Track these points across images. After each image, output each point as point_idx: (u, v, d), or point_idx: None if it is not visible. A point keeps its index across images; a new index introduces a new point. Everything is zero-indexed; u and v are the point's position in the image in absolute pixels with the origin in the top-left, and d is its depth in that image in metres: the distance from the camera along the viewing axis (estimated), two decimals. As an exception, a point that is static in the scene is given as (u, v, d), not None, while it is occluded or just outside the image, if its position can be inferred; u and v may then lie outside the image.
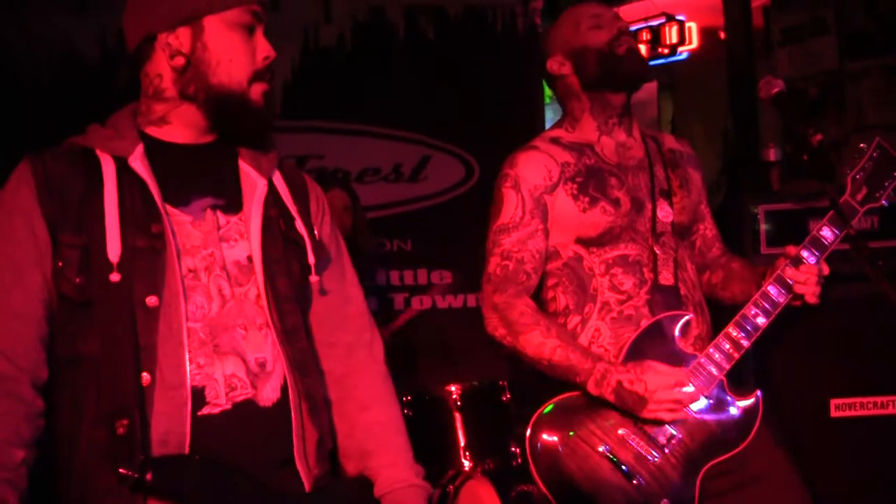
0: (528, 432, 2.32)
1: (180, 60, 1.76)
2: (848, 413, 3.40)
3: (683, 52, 6.19)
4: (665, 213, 2.47)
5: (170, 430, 1.65)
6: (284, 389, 1.75)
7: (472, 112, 4.99)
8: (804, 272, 2.32)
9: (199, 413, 1.68)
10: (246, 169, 1.83)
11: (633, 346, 2.35)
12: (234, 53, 1.76)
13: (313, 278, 1.84)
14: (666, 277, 2.42)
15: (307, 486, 1.77)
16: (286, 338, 1.78)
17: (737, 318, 2.35)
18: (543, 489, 2.28)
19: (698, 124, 6.54)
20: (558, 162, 2.46)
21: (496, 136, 4.81)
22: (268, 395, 1.74)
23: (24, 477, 1.64)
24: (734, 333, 2.34)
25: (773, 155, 3.86)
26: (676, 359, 2.34)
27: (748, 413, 2.37)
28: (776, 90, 2.36)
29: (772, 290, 2.34)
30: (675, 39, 6.12)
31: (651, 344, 2.35)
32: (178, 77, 1.77)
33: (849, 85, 5.05)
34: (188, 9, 1.75)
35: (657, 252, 2.44)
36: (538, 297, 2.48)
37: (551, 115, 5.29)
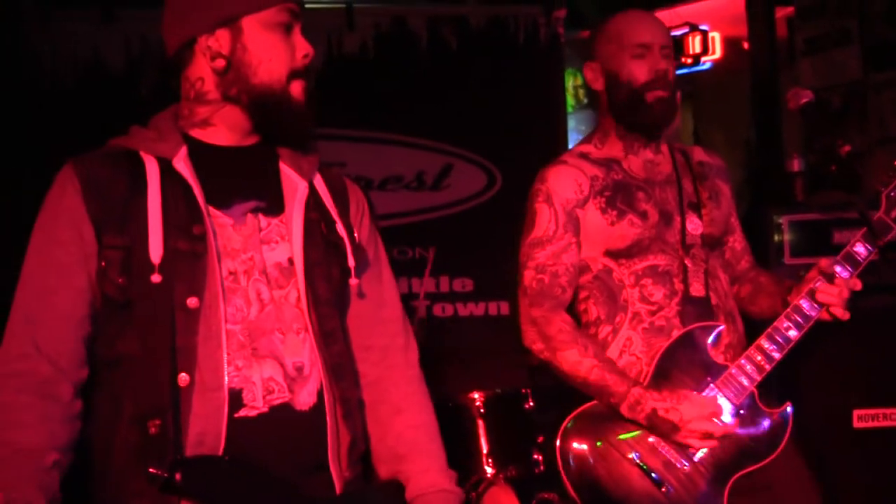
0: (558, 439, 2.33)
1: (221, 62, 1.76)
2: (871, 424, 3.39)
3: (707, 62, 6.19)
4: (694, 225, 2.48)
5: (206, 431, 1.66)
6: (320, 394, 1.76)
7: (494, 121, 4.98)
8: (837, 287, 2.32)
9: (236, 415, 1.68)
10: (287, 171, 1.84)
11: (664, 356, 2.35)
12: (273, 53, 1.77)
13: (353, 281, 1.84)
14: (697, 289, 2.43)
15: (338, 490, 1.77)
16: (324, 341, 1.78)
17: (769, 330, 2.35)
18: (573, 496, 2.29)
19: (720, 134, 6.53)
20: (588, 176, 2.46)
21: (518, 145, 4.83)
22: (304, 399, 1.74)
23: (55, 480, 1.63)
24: (766, 346, 2.34)
25: (796, 165, 3.86)
26: (707, 369, 2.35)
27: (778, 425, 2.37)
28: (805, 101, 2.36)
29: (804, 303, 2.34)
30: (698, 49, 6.11)
31: (683, 354, 2.36)
32: (219, 79, 1.78)
33: (872, 95, 5.03)
34: (226, 11, 1.76)
35: (687, 263, 2.44)
36: (570, 309, 2.48)
37: (574, 125, 5.29)
